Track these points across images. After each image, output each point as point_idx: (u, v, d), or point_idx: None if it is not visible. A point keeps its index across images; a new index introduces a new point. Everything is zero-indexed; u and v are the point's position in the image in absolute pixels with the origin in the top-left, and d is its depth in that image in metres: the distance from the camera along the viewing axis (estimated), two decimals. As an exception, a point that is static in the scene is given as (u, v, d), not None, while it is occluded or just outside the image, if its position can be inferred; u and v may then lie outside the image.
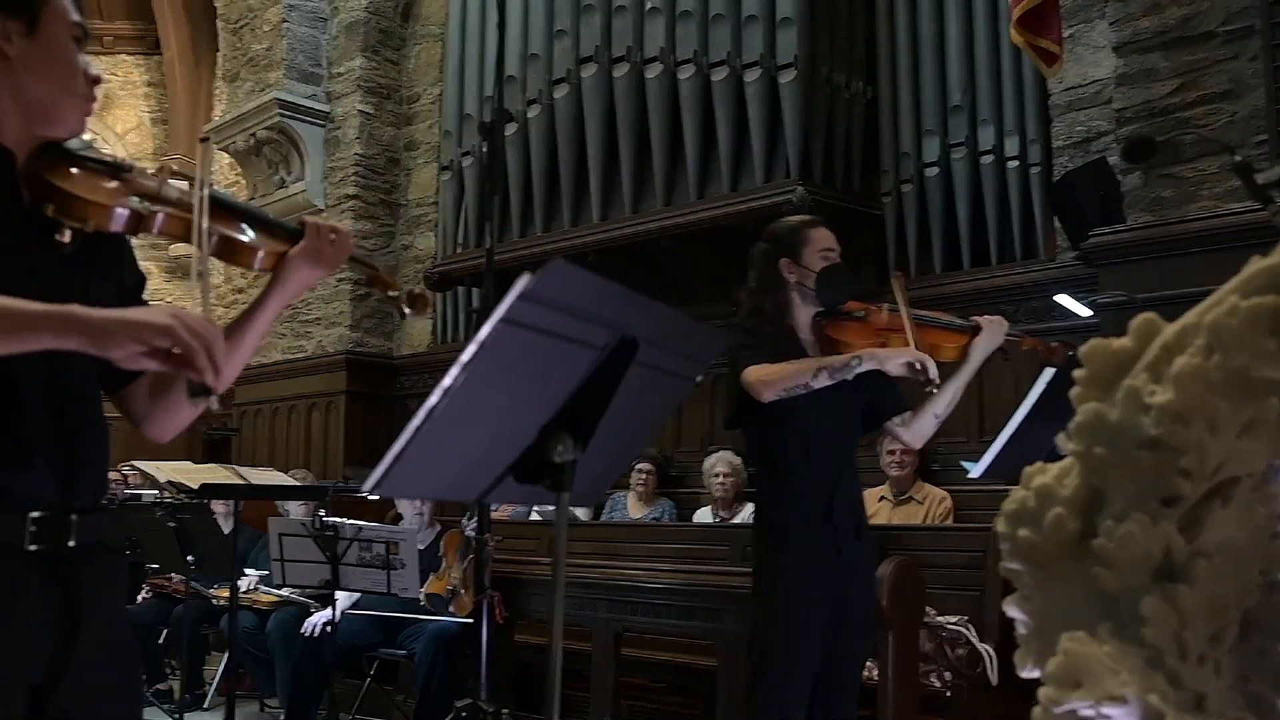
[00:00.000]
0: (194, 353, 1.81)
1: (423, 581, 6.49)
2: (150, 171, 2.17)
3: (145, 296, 2.31)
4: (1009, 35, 6.76)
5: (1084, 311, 6.42)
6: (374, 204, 11.47)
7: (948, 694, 5.01)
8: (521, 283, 1.68)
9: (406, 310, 2.41)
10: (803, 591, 3.85)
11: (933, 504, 6.76)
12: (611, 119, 8.42)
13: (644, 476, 7.96)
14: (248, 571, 7.89)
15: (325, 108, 11.69)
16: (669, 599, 5.29)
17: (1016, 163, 7.32)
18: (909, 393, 4.11)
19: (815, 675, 3.90)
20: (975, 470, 4.35)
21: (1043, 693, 0.88)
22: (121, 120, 16.46)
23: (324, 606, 6.84)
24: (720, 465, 7.44)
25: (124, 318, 1.82)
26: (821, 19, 7.79)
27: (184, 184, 2.17)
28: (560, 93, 8.69)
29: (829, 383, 3.79)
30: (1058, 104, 7.19)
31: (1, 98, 2.04)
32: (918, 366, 3.78)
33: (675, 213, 8.10)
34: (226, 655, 7.53)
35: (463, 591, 6.41)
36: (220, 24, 12.79)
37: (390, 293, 2.46)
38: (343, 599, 6.66)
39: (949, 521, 6.64)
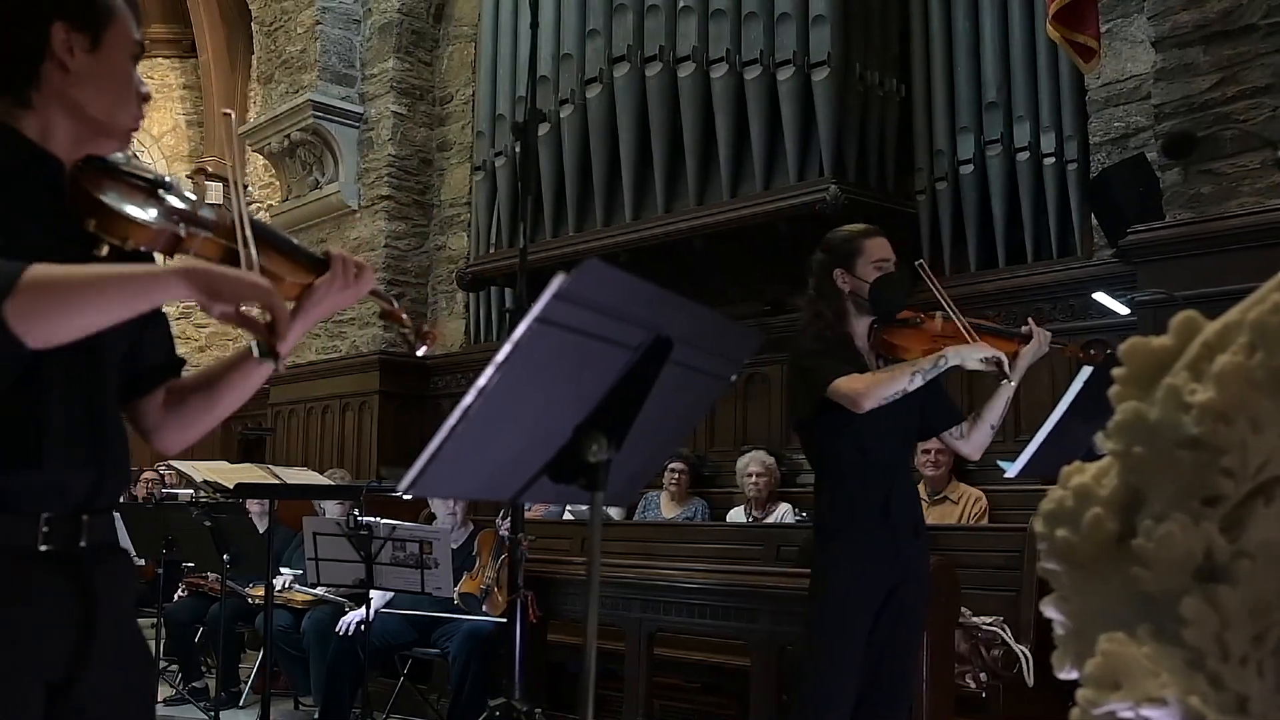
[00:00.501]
0: (282, 319, 1.90)
1: (456, 581, 6.50)
2: (190, 185, 2.19)
3: (172, 314, 2.33)
4: (1045, 31, 6.72)
5: (1122, 310, 6.39)
6: (407, 204, 11.52)
7: (983, 695, 4.99)
8: (556, 282, 1.68)
9: (415, 344, 2.45)
10: (855, 593, 3.90)
11: (968, 504, 6.74)
12: (644, 118, 8.43)
13: (677, 476, 7.96)
14: (283, 570, 7.92)
15: (359, 109, 11.75)
16: (702, 599, 5.29)
17: (1053, 159, 7.28)
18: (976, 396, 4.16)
19: (866, 674, 3.94)
20: (1012, 470, 4.33)
21: (1081, 694, 0.87)
22: (158, 123, 16.56)
23: (358, 605, 6.86)
24: (753, 465, 7.44)
25: (234, 274, 1.89)
26: (855, 16, 7.77)
27: (220, 201, 2.19)
28: (593, 92, 8.71)
29: (922, 383, 3.88)
30: (1095, 100, 7.15)
31: (55, 108, 2.07)
32: (997, 360, 3.93)
33: (708, 212, 8.10)
34: (261, 653, 7.56)
35: (496, 591, 6.42)
36: (255, 27, 12.87)
37: (403, 329, 2.47)
38: (377, 598, 6.68)
39: (984, 521, 6.62)
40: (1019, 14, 7.51)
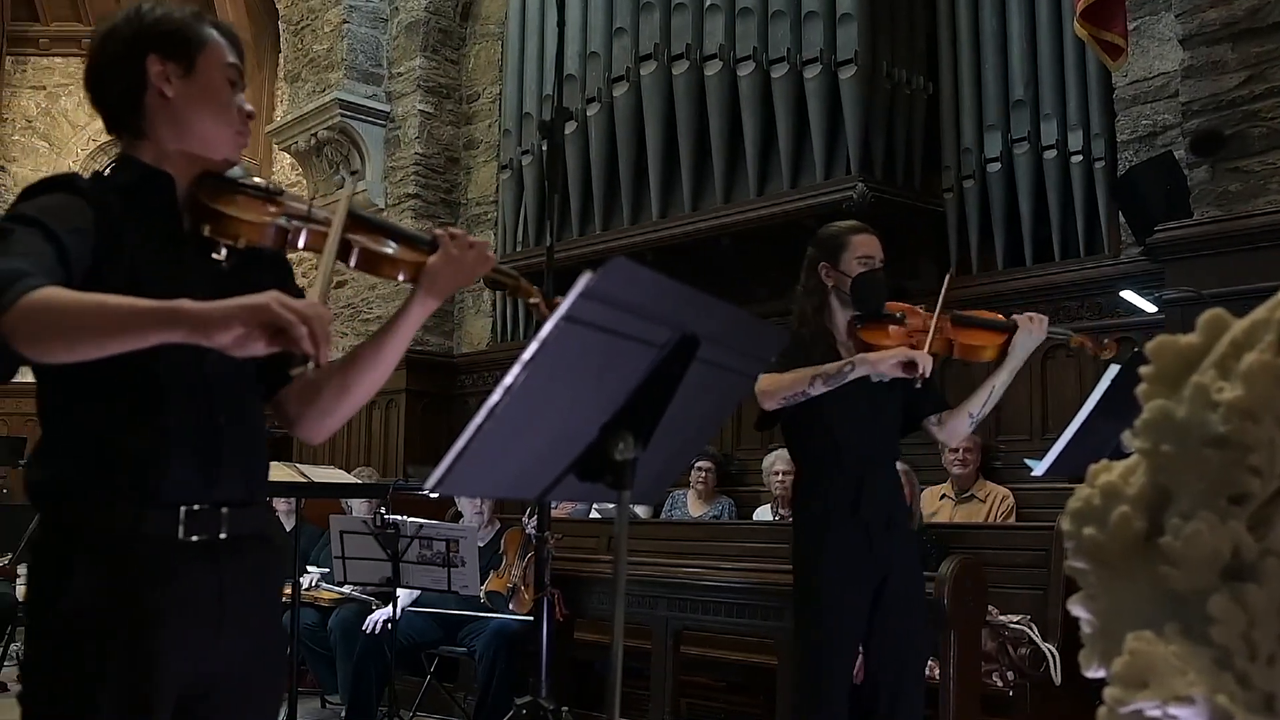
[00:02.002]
0: (290, 324, 1.92)
1: (483, 579, 6.51)
2: (299, 197, 2.40)
3: None
4: (1073, 28, 6.70)
5: (1149, 307, 6.37)
6: (434, 203, 11.53)
7: (1010, 694, 4.99)
8: (583, 280, 1.68)
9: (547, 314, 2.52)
10: (836, 587, 3.93)
11: (995, 502, 6.72)
12: (671, 117, 8.43)
13: (704, 474, 7.96)
14: (309, 569, 7.94)
15: (385, 107, 11.77)
16: (729, 597, 5.29)
17: (1080, 157, 7.25)
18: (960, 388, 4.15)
19: (872, 668, 3.96)
20: (1038, 468, 4.32)
21: (1108, 693, 0.87)
22: (186, 120, 16.63)
23: (385, 604, 6.87)
24: (779, 463, 7.42)
25: (223, 305, 1.92)
26: (882, 14, 7.76)
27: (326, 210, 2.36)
28: (620, 91, 8.71)
29: (825, 389, 3.88)
30: (1122, 98, 7.12)
31: (164, 132, 2.28)
32: (911, 365, 3.85)
33: (735, 210, 8.10)
34: (288, 651, 7.58)
35: (523, 589, 6.44)
36: (282, 25, 12.90)
37: (531, 299, 2.58)
38: (403, 596, 6.69)
39: (1011, 520, 6.60)
40: (1046, 11, 7.48)
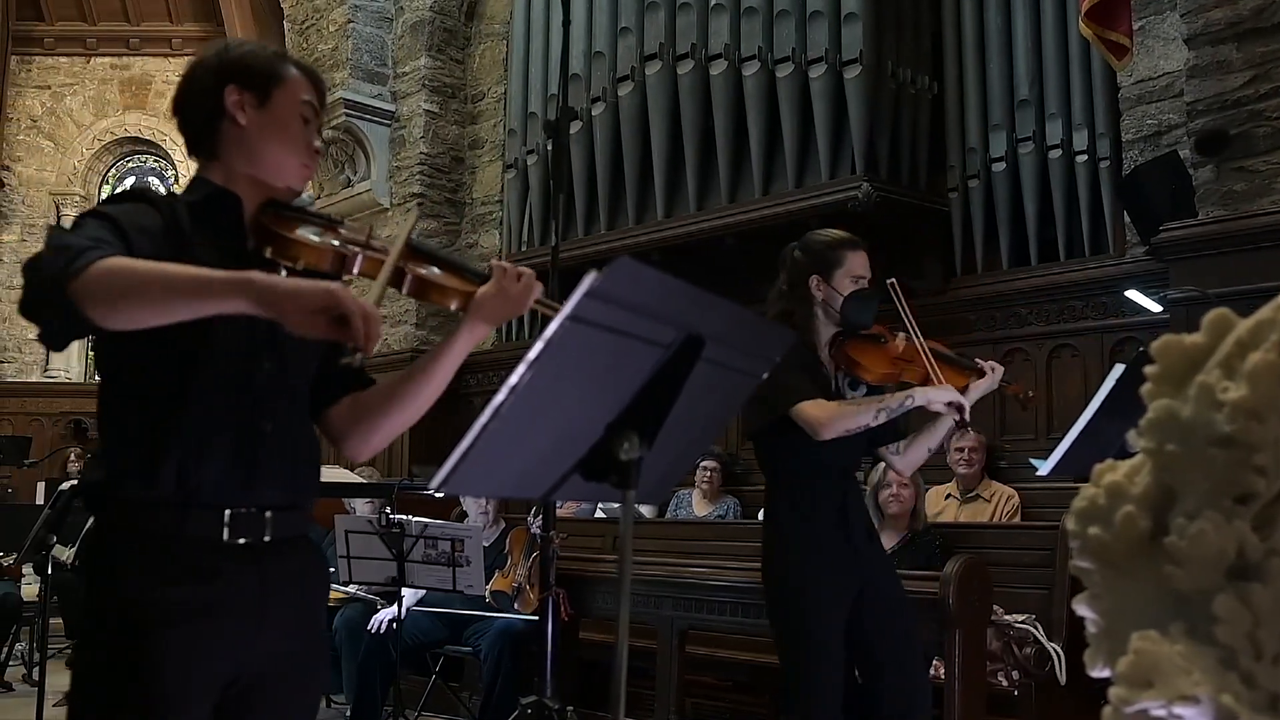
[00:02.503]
0: (352, 314, 2.02)
1: (488, 579, 6.51)
2: (358, 227, 2.50)
3: None
4: (1078, 28, 6.70)
5: (1154, 307, 6.37)
6: (439, 202, 11.53)
7: (1015, 693, 4.98)
8: (588, 280, 1.68)
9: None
10: (826, 600, 3.92)
11: (1000, 502, 6.72)
12: (676, 116, 8.43)
13: (709, 474, 7.96)
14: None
15: (390, 107, 11.77)
16: (734, 597, 5.28)
17: (1085, 157, 7.26)
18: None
19: (878, 673, 3.96)
20: (1044, 468, 4.32)
21: (1113, 692, 0.87)
22: (190, 121, 16.64)
23: (390, 603, 6.87)
24: (785, 463, 7.42)
25: (294, 284, 2.05)
26: (887, 14, 7.75)
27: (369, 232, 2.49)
28: (624, 90, 8.71)
29: (884, 420, 3.91)
30: (1127, 97, 7.12)
31: (235, 157, 2.42)
32: (958, 406, 3.91)
33: (740, 210, 8.10)
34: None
35: (528, 589, 6.44)
36: (287, 25, 12.92)
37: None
38: (408, 596, 6.69)
39: (1017, 519, 6.60)
40: (1051, 11, 7.48)
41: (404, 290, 2.40)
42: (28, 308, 2.10)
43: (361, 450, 2.59)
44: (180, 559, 2.24)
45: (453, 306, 2.45)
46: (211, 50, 2.51)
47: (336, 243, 2.36)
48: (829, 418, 3.84)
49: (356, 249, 2.35)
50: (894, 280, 4.16)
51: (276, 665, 2.35)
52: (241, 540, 2.29)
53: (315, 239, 2.35)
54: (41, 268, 2.04)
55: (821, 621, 3.90)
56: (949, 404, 3.91)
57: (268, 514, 2.33)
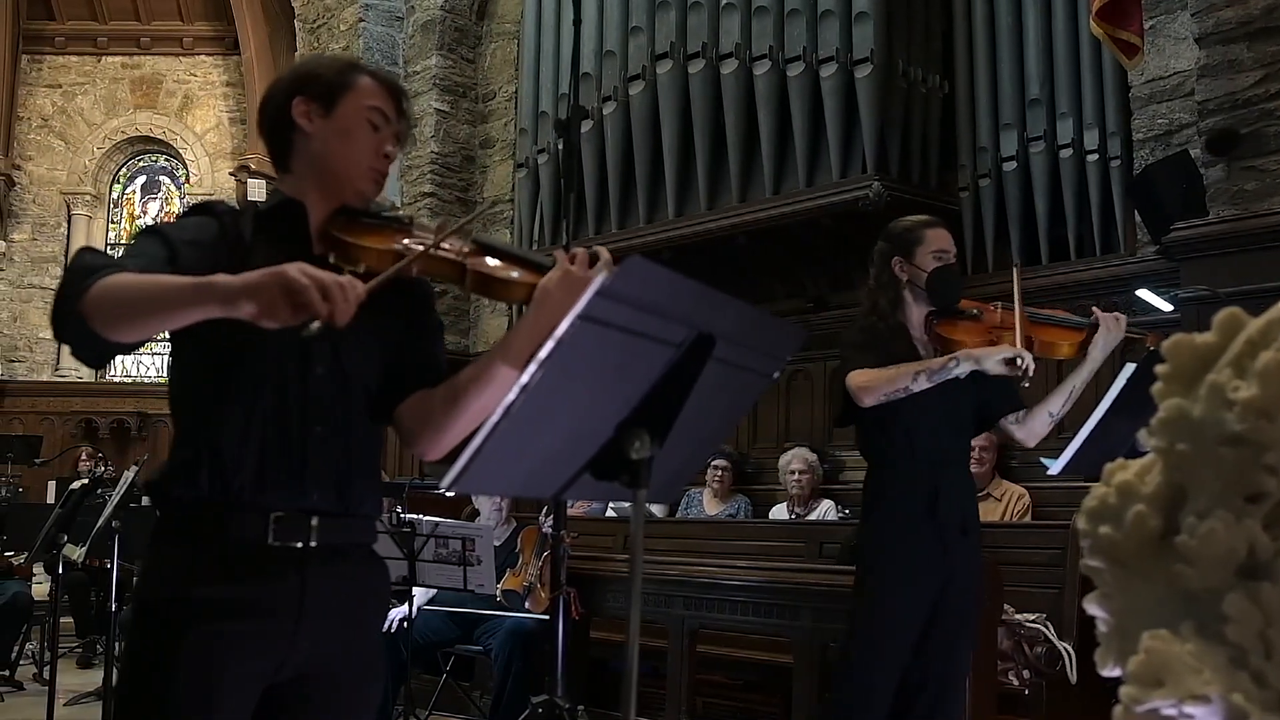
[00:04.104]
0: (303, 289, 2.02)
1: (499, 578, 6.52)
2: (427, 226, 2.52)
3: None
4: (1088, 27, 6.69)
5: (1165, 306, 6.36)
6: (450, 201, 11.54)
7: (1026, 692, 4.98)
8: (599, 279, 1.69)
9: None
10: (901, 591, 3.89)
11: (1011, 501, 6.71)
12: (687, 115, 8.43)
13: (720, 473, 7.96)
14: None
15: (401, 106, 11.77)
16: (745, 596, 5.29)
17: (1096, 156, 7.24)
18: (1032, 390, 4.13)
19: (914, 675, 3.93)
20: (1054, 467, 4.31)
21: (1124, 691, 0.87)
22: (200, 120, 16.69)
23: (401, 603, 6.88)
24: (795, 462, 7.43)
25: (244, 279, 2.06)
26: (898, 13, 7.75)
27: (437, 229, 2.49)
28: (636, 89, 8.71)
29: (929, 385, 3.83)
30: (1138, 96, 7.11)
31: (304, 166, 2.49)
32: (1018, 363, 3.80)
33: (751, 209, 8.10)
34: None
35: (539, 588, 6.44)
36: (298, 24, 12.94)
37: None
38: (419, 595, 6.70)
39: (1027, 518, 6.60)
40: (1062, 10, 7.46)
41: (465, 286, 2.42)
42: (54, 329, 2.17)
43: (433, 448, 2.53)
44: (222, 559, 2.28)
45: (519, 299, 2.43)
46: (290, 68, 2.63)
47: (397, 246, 2.37)
48: (868, 381, 3.82)
49: (418, 249, 2.35)
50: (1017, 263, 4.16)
51: (324, 669, 2.37)
52: (286, 543, 2.31)
53: (378, 244, 2.38)
54: (60, 290, 2.13)
55: (894, 641, 3.88)
56: (1003, 360, 3.80)
57: (314, 519, 2.34)
